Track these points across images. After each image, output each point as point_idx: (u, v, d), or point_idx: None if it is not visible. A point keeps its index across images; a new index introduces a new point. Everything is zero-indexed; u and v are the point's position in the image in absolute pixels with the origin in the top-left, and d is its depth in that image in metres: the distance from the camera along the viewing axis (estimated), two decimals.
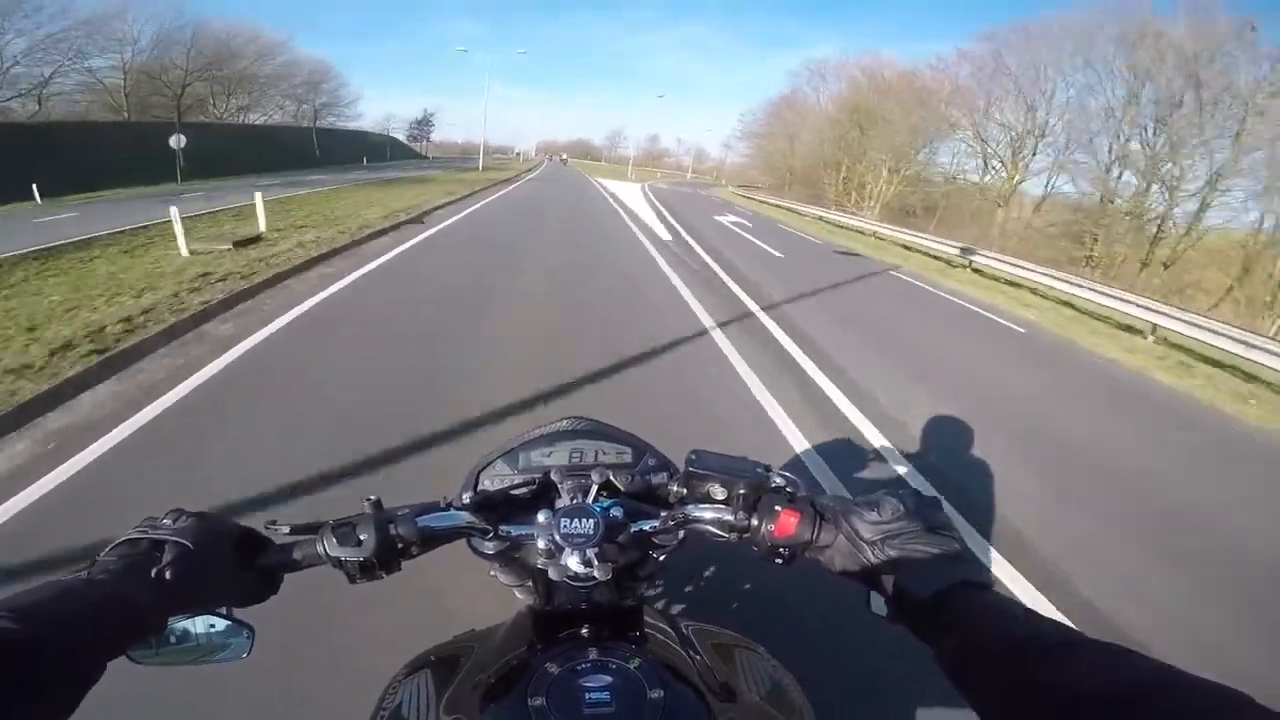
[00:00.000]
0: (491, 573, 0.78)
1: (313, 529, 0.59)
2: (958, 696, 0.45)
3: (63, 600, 0.42)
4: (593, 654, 0.58)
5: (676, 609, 1.90)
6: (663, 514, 0.66)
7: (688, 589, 1.87)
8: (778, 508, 0.59)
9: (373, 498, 0.61)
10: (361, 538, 0.57)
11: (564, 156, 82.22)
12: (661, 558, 0.73)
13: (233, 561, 0.54)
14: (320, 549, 0.57)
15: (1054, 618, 0.48)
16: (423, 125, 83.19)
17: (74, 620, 0.41)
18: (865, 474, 3.37)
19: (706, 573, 2.05)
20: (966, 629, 0.47)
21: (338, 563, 0.57)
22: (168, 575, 0.48)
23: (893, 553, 0.54)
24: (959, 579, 0.50)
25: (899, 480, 3.33)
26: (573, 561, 0.62)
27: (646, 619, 0.71)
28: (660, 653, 0.61)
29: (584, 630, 0.64)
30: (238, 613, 0.58)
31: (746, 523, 0.60)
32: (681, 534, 0.69)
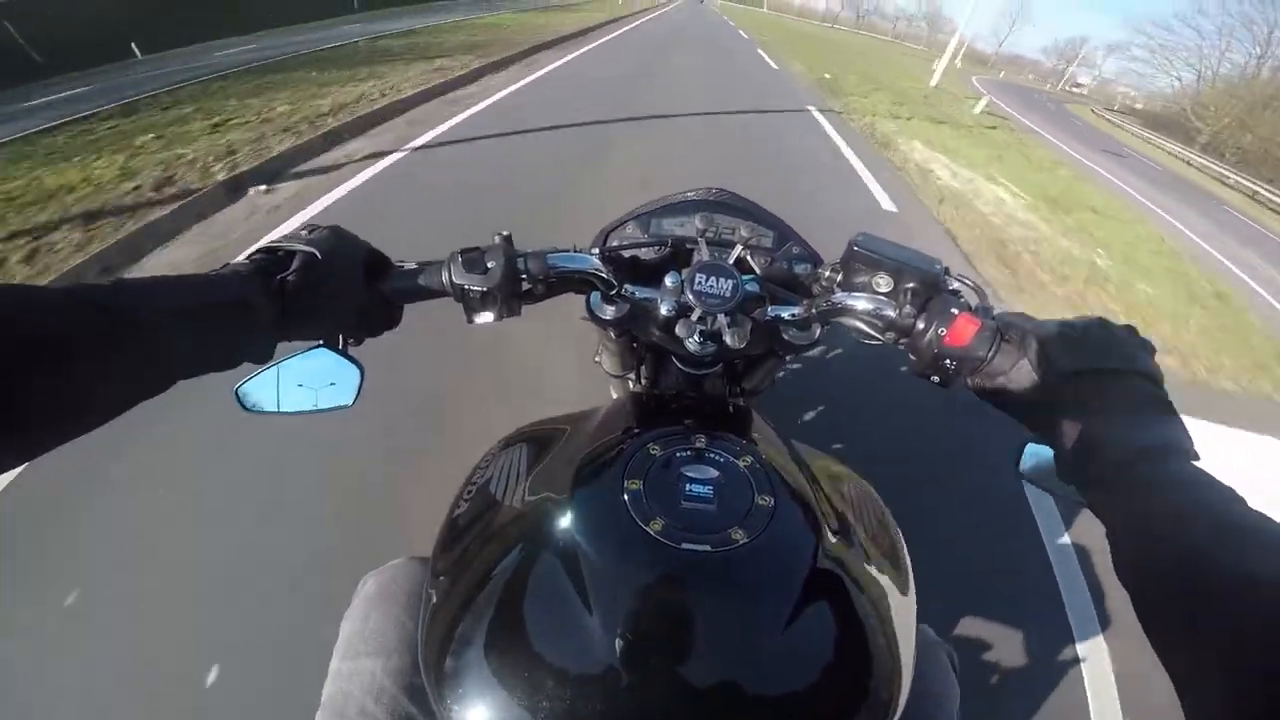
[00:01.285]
0: (596, 359, 0.76)
1: (436, 262, 0.56)
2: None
3: (177, 293, 0.40)
4: (700, 442, 0.53)
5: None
6: (805, 301, 0.59)
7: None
8: (954, 310, 0.49)
9: (504, 233, 0.57)
10: (489, 265, 0.54)
11: None
12: (788, 358, 0.66)
13: (357, 279, 0.52)
14: (445, 275, 0.54)
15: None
16: None
17: (183, 314, 0.40)
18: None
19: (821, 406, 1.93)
20: (1161, 504, 0.37)
21: (460, 293, 0.55)
22: (290, 280, 0.47)
23: (1086, 393, 0.42)
24: (1163, 441, 0.40)
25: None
26: (698, 330, 0.56)
27: (758, 425, 0.64)
28: (773, 459, 0.54)
29: (691, 420, 0.58)
30: (352, 351, 0.56)
31: (911, 321, 0.51)
32: (818, 332, 0.61)
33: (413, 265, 0.56)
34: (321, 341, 0.54)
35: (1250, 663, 0.27)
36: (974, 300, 0.53)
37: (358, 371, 0.57)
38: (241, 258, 0.48)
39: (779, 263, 0.67)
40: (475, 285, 0.54)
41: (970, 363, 0.49)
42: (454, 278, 0.54)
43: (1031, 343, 0.46)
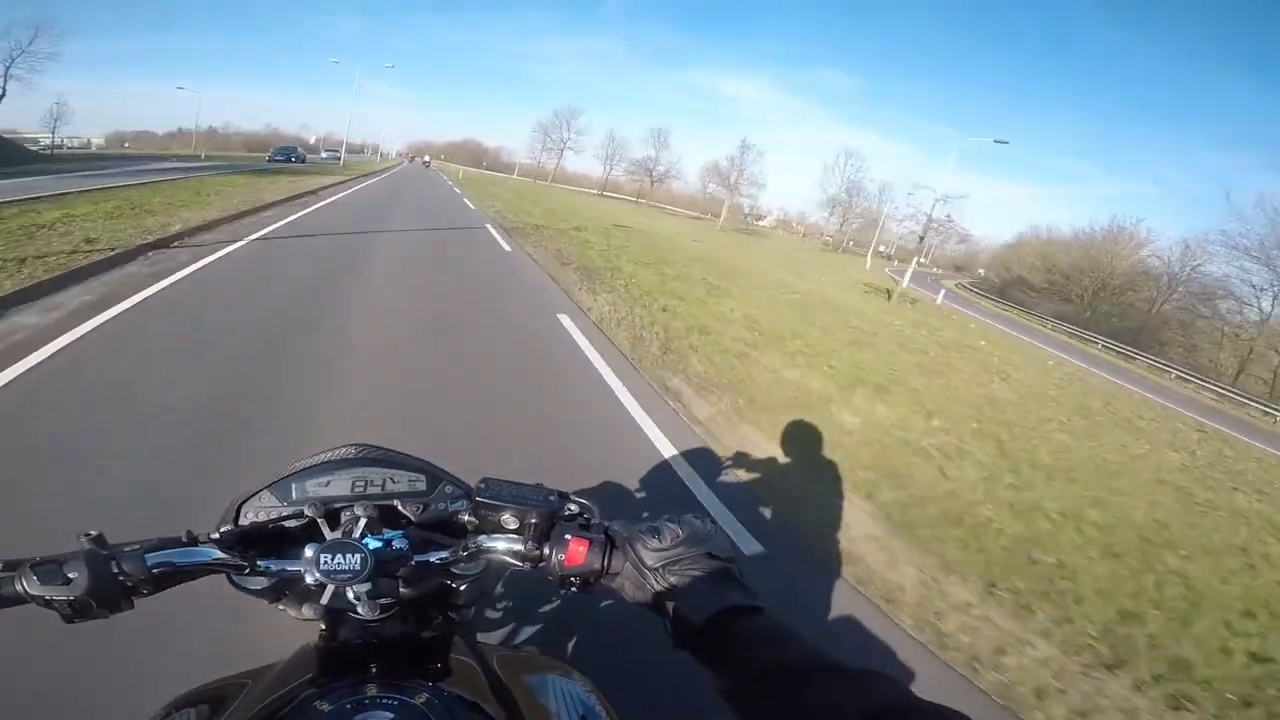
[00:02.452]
0: (279, 607, 0.69)
1: (11, 566, 0.51)
2: None
3: None
4: (372, 689, 0.54)
5: (520, 637, 1.82)
6: (456, 544, 0.63)
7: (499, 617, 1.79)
8: (568, 536, 0.58)
9: (93, 532, 0.53)
10: (71, 576, 0.49)
11: (427, 159, 74.83)
12: (463, 588, 0.69)
13: None
14: (20, 587, 0.50)
15: (816, 644, 0.50)
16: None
17: None
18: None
19: (551, 599, 2.00)
20: (738, 654, 0.49)
21: (44, 602, 0.49)
22: None
23: (673, 579, 0.54)
24: (729, 604, 0.51)
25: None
26: (350, 596, 0.57)
27: (452, 651, 0.67)
28: (459, 686, 0.58)
29: (373, 666, 0.60)
30: None
31: (538, 552, 0.58)
32: (483, 564, 0.66)
33: None
34: None
35: None
36: (592, 517, 0.62)
37: None
38: None
39: (434, 505, 0.70)
40: (59, 596, 0.49)
41: (591, 575, 0.57)
42: (29, 590, 0.49)
43: (628, 548, 0.57)
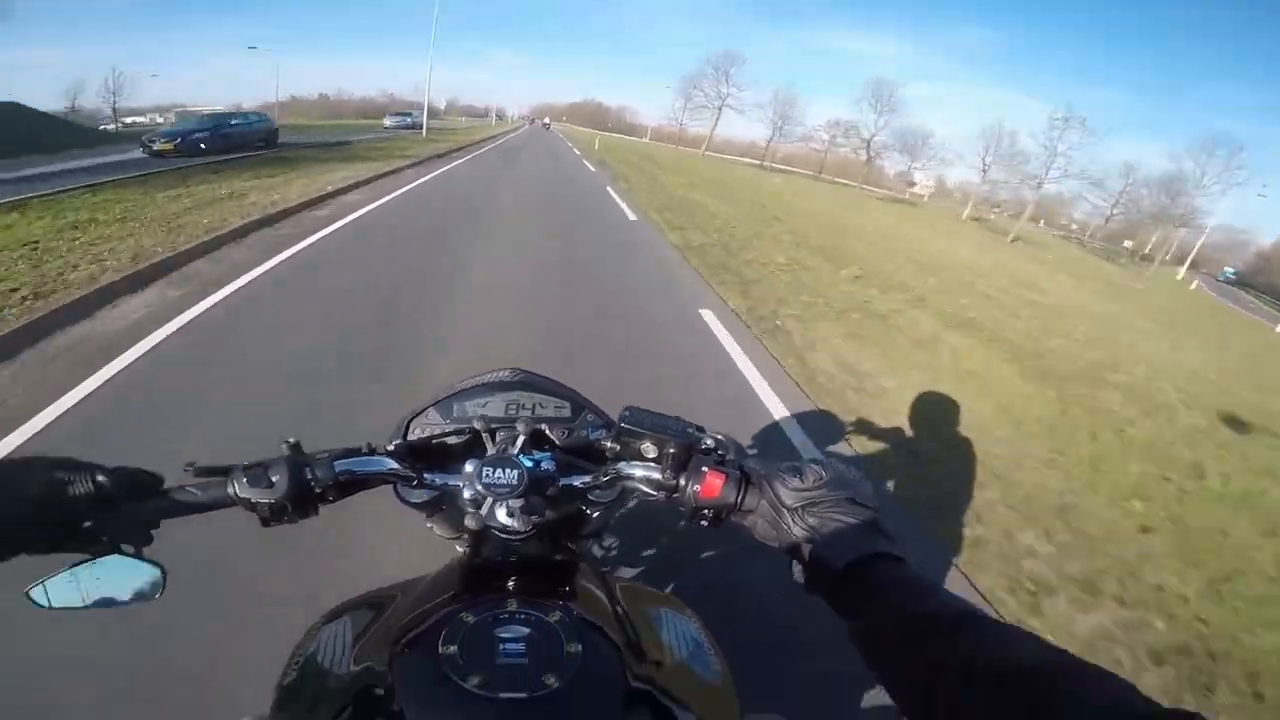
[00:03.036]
0: (427, 524, 0.77)
1: (222, 471, 0.57)
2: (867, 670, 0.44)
3: None
4: (512, 605, 0.58)
5: (630, 572, 1.94)
6: (597, 470, 0.66)
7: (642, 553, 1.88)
8: (704, 469, 0.58)
9: (291, 440, 0.60)
10: (274, 479, 0.56)
11: (547, 121, 76.04)
12: (596, 515, 0.72)
13: (67, 501, 0.51)
14: (230, 490, 0.56)
15: (963, 596, 0.48)
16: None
17: None
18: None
19: (662, 540, 2.08)
20: (877, 602, 0.48)
21: (249, 504, 0.56)
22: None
23: (811, 521, 0.53)
24: (872, 550, 0.50)
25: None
26: (499, 513, 0.62)
27: (579, 575, 0.71)
28: (585, 608, 0.61)
29: (510, 583, 0.64)
30: (148, 551, 0.56)
31: (674, 482, 0.59)
32: (618, 491, 0.69)
33: (191, 482, 0.57)
34: (114, 551, 0.53)
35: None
36: (728, 453, 0.62)
37: (158, 570, 0.57)
38: None
39: (576, 432, 0.75)
40: (262, 499, 0.55)
41: (725, 509, 0.57)
42: (239, 492, 0.55)
43: (766, 486, 0.56)
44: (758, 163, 65.64)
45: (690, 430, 0.62)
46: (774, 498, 0.55)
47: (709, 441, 0.62)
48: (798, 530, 0.53)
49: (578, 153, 28.42)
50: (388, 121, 36.00)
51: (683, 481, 0.59)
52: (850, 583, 0.49)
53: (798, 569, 0.54)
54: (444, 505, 0.69)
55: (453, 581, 0.68)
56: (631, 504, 0.79)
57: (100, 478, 0.52)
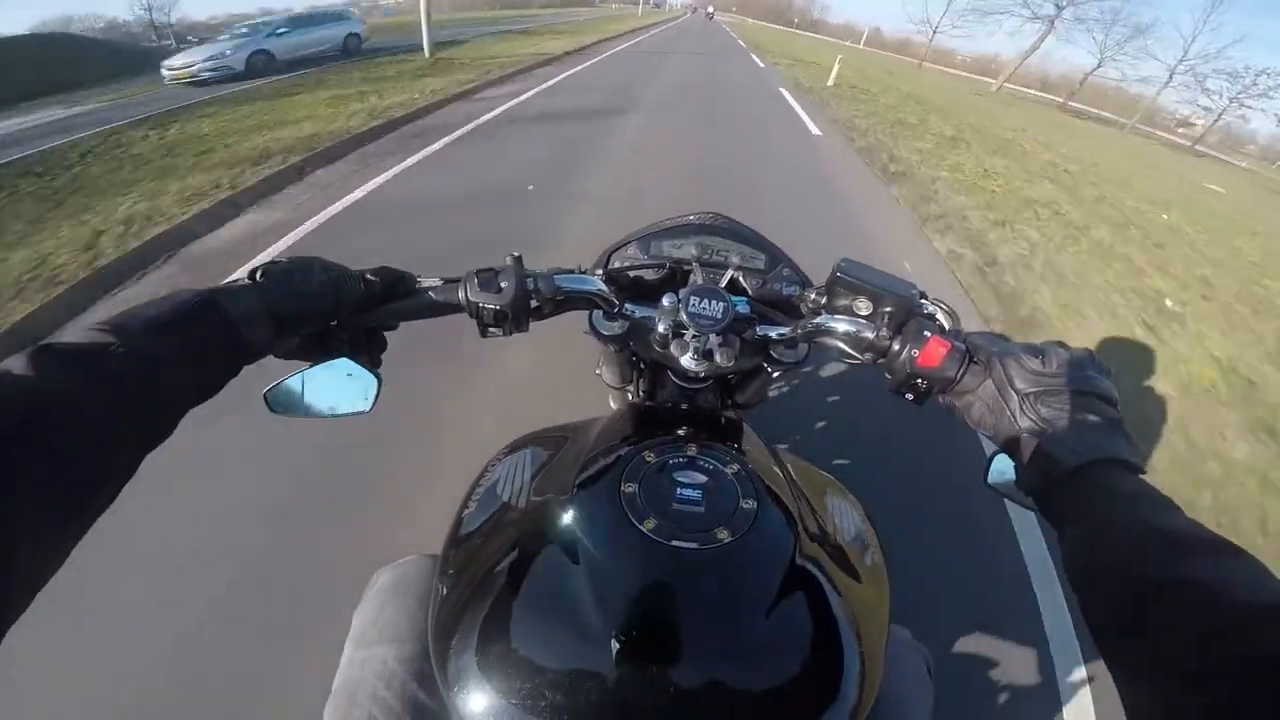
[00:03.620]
0: (597, 372, 0.81)
1: (453, 280, 0.60)
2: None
3: (167, 326, 0.42)
4: (692, 450, 0.57)
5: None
6: (793, 322, 0.63)
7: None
8: (927, 333, 0.53)
9: (516, 254, 0.61)
10: (502, 285, 0.58)
11: (710, 9, 63.46)
12: (776, 374, 0.71)
13: (339, 301, 0.54)
14: (462, 294, 0.58)
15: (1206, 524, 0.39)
16: None
17: (179, 346, 0.41)
18: None
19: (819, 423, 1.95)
20: (1106, 513, 0.41)
21: (475, 310, 0.58)
22: (279, 301, 0.49)
23: (1044, 410, 0.47)
24: (1112, 453, 0.43)
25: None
26: (692, 348, 0.61)
27: (747, 435, 0.70)
28: (758, 467, 0.59)
29: (684, 429, 0.64)
30: (367, 364, 0.60)
31: (888, 343, 0.55)
32: (805, 350, 0.66)
33: (428, 283, 0.61)
34: (344, 354, 0.58)
35: (1182, 667, 0.31)
36: (948, 323, 0.57)
37: (375, 381, 0.62)
38: (236, 277, 0.49)
39: (770, 285, 0.72)
40: (489, 303, 0.58)
41: (941, 382, 0.52)
42: (470, 296, 0.58)
43: (996, 364, 0.50)
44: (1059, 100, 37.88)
45: (913, 291, 0.57)
46: (1003, 377, 0.49)
47: (930, 307, 0.57)
48: (1025, 419, 0.47)
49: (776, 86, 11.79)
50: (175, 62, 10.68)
51: (898, 345, 0.54)
52: (1078, 488, 0.43)
53: (1002, 468, 0.49)
54: (632, 341, 0.70)
55: (629, 423, 0.69)
56: (807, 369, 0.74)
57: (370, 276, 0.57)
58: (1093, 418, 0.45)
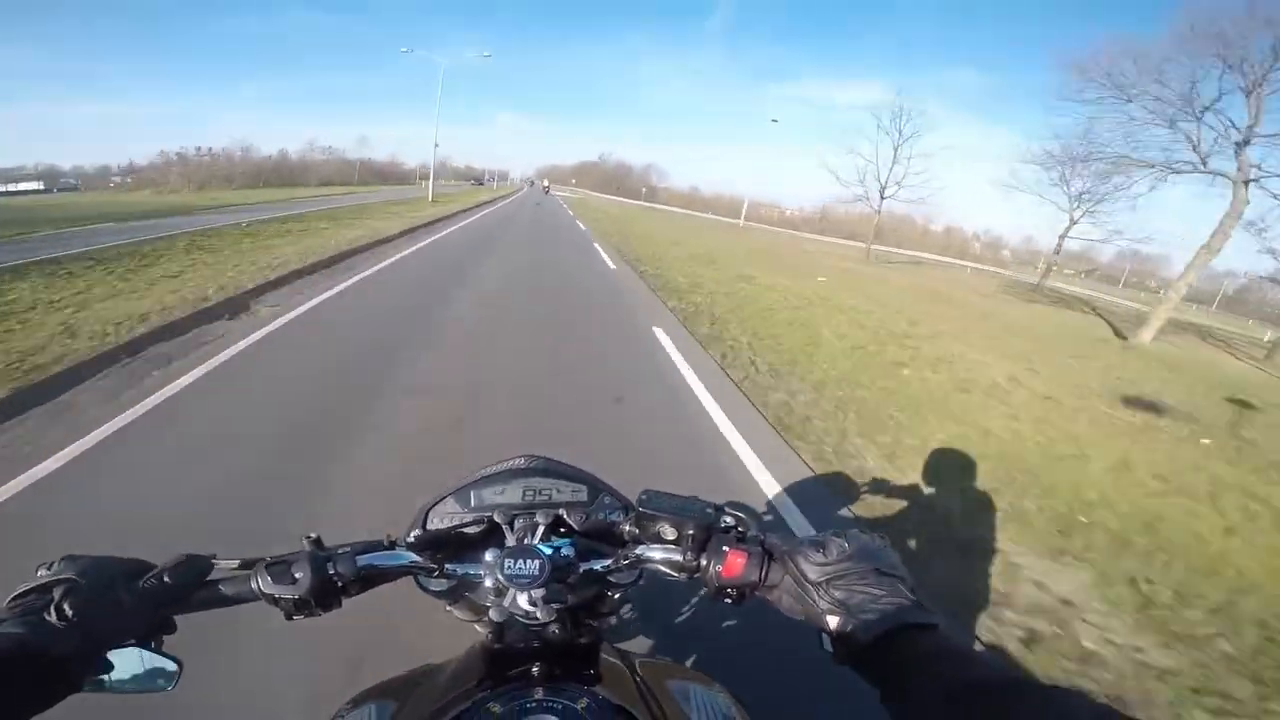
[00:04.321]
0: (447, 608, 0.77)
1: (247, 565, 0.58)
2: None
3: None
4: (539, 693, 0.58)
5: (647, 644, 1.88)
6: (616, 554, 0.66)
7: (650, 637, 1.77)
8: (725, 548, 0.58)
9: (312, 535, 0.61)
10: (296, 576, 0.57)
11: (546, 184, 66.00)
12: (617, 596, 0.72)
13: (133, 593, 0.53)
14: (255, 585, 0.57)
15: (1002, 661, 0.44)
16: None
17: None
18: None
19: (682, 611, 2.03)
20: (911, 672, 0.46)
21: (272, 600, 0.57)
22: (67, 611, 0.47)
23: (838, 594, 0.52)
24: (903, 621, 0.49)
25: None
26: (522, 601, 0.62)
27: (602, 657, 0.71)
28: (611, 691, 0.60)
29: (534, 669, 0.64)
30: (166, 647, 0.57)
31: (695, 563, 0.59)
32: (638, 572, 0.69)
33: (223, 566, 0.59)
34: (134, 641, 0.54)
35: None
36: (746, 528, 0.62)
37: (175, 664, 0.58)
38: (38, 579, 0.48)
39: (594, 515, 0.74)
40: (285, 595, 0.56)
41: (749, 585, 0.57)
42: (262, 588, 0.56)
43: (788, 562, 0.56)
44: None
45: (708, 510, 0.63)
46: (798, 573, 0.55)
47: (728, 519, 0.62)
48: (824, 604, 0.52)
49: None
50: None
51: (704, 562, 0.59)
52: (883, 654, 0.48)
53: (827, 641, 0.53)
54: (465, 593, 0.69)
55: (476, 668, 0.68)
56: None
57: (168, 579, 0.54)
58: (880, 591, 0.51)
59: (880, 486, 3.56)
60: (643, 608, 1.94)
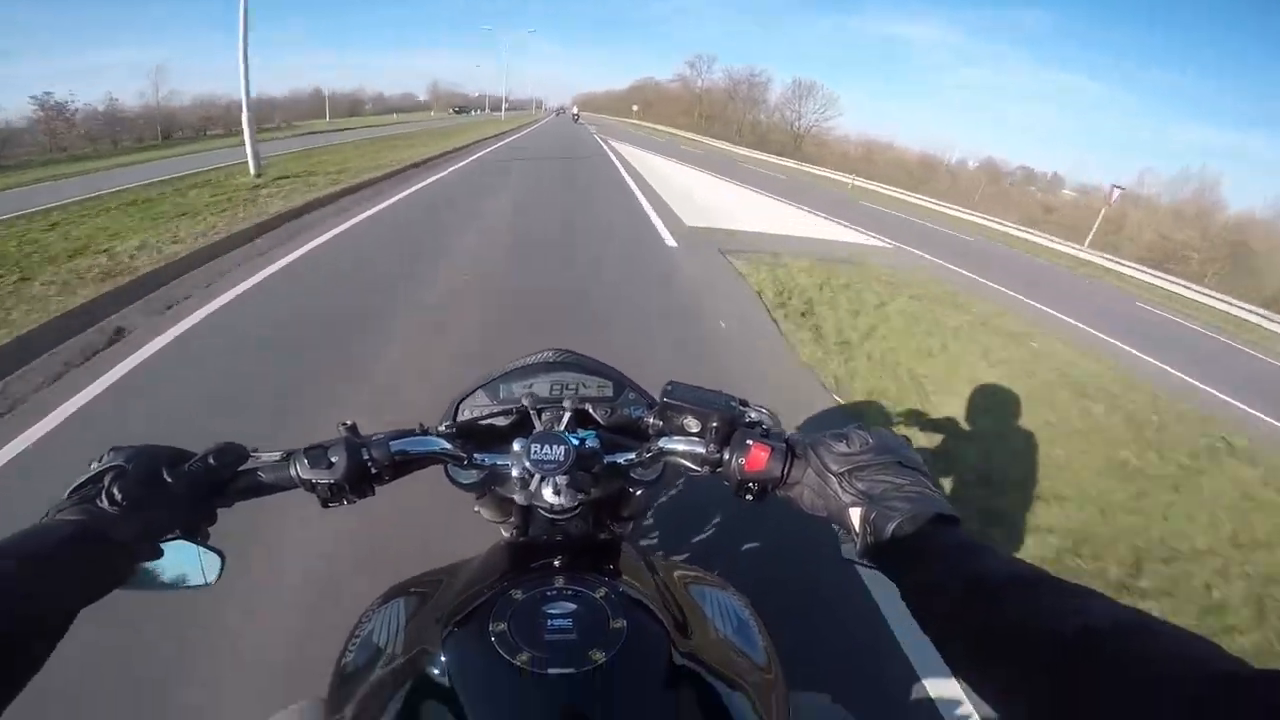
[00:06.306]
0: (475, 508, 0.80)
1: (286, 455, 0.59)
2: (920, 637, 0.44)
3: (27, 546, 0.42)
4: (559, 582, 0.59)
5: (667, 555, 1.95)
6: (640, 447, 0.66)
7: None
8: (749, 442, 0.57)
9: (348, 422, 0.61)
10: (333, 460, 0.57)
11: (576, 110, 62.08)
12: (639, 493, 0.73)
13: (177, 477, 0.53)
14: (292, 471, 0.58)
15: (1022, 559, 0.45)
16: None
17: (42, 566, 0.42)
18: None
19: (709, 524, 2.10)
20: (932, 565, 0.46)
21: (309, 485, 0.58)
22: (117, 495, 0.49)
23: (860, 485, 0.52)
24: (926, 513, 0.49)
25: None
26: (546, 490, 0.63)
27: (623, 555, 0.72)
28: (629, 585, 0.62)
29: (556, 561, 0.65)
30: (210, 539, 0.58)
31: (718, 455, 0.59)
32: (659, 468, 0.69)
33: (264, 458, 0.59)
34: (179, 533, 0.55)
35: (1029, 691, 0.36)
36: (771, 424, 0.62)
37: (218, 557, 0.60)
38: (61, 500, 0.49)
39: (619, 411, 0.75)
40: (322, 479, 0.57)
41: (771, 481, 0.57)
42: (300, 474, 0.57)
43: (811, 455, 0.55)
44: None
45: (733, 404, 0.62)
46: (820, 465, 0.54)
47: (752, 415, 0.62)
48: (847, 496, 0.52)
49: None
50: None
51: (727, 455, 0.58)
52: (904, 546, 0.48)
53: (847, 540, 0.53)
54: (493, 486, 0.71)
55: (501, 561, 0.70)
56: (677, 486, 0.79)
57: (211, 461, 0.55)
58: (902, 482, 0.51)
59: None
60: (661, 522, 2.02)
